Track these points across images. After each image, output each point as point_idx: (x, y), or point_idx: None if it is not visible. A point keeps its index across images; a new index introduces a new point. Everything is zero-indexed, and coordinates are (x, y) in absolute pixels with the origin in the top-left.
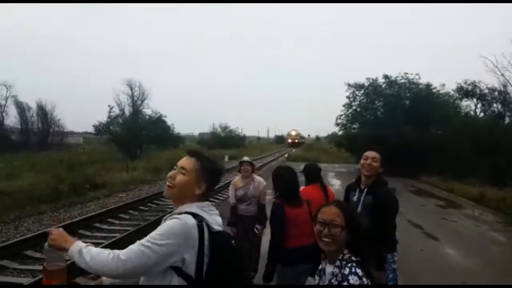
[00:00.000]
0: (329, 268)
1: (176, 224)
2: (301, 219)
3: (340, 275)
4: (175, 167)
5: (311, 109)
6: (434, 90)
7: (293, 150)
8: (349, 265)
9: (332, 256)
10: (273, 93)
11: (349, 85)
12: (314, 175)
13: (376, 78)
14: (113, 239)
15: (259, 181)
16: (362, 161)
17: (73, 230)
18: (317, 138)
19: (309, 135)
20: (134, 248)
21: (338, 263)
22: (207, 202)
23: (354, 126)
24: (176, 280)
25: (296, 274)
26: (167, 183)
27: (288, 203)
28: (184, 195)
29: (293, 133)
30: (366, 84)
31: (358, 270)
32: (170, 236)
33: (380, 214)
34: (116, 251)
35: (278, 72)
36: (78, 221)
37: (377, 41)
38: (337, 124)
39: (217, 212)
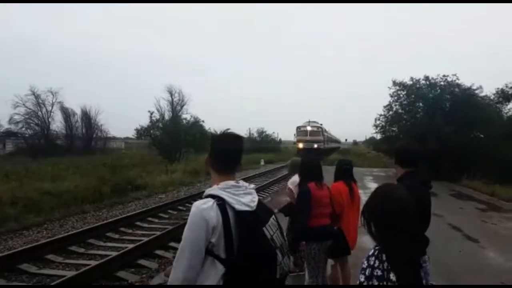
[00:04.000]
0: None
1: (191, 213)
2: (323, 200)
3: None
4: None
5: (348, 114)
6: (475, 92)
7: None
8: (377, 247)
9: None
10: (310, 97)
11: (394, 82)
12: (341, 172)
13: (419, 78)
14: (153, 236)
15: None
16: None
17: (115, 227)
18: (355, 143)
19: (346, 140)
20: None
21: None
22: (233, 183)
23: (393, 128)
24: (209, 262)
25: (320, 249)
26: None
27: (313, 185)
28: (211, 175)
29: (309, 128)
30: (409, 84)
31: (382, 256)
32: (190, 226)
33: None
34: None
35: (316, 78)
36: (119, 219)
37: (414, 44)
38: (376, 126)
39: (246, 191)
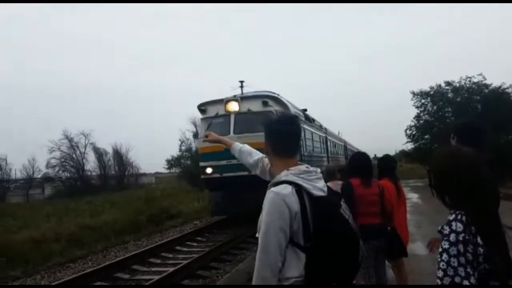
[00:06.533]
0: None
1: (270, 199)
2: (368, 198)
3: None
4: None
5: (376, 130)
6: (506, 91)
7: None
8: (457, 212)
9: None
10: (335, 116)
11: (413, 93)
12: (386, 170)
13: (439, 85)
14: (192, 258)
15: None
16: None
17: (156, 253)
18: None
19: (375, 155)
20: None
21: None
22: (304, 168)
23: (426, 137)
24: (291, 250)
25: (368, 250)
26: None
27: (358, 182)
28: (272, 162)
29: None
30: (432, 92)
31: (464, 218)
32: (272, 213)
33: None
34: None
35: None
36: (160, 245)
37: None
38: (408, 136)
39: (318, 176)
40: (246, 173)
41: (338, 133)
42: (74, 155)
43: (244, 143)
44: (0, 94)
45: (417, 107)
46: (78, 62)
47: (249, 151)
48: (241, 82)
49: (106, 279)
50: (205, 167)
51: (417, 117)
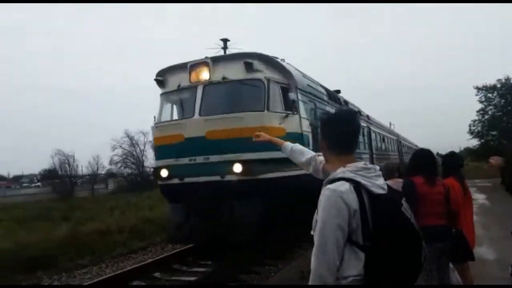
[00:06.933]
0: None
1: (327, 196)
2: (432, 198)
3: None
4: None
5: (435, 130)
6: None
7: None
8: None
9: None
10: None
11: (478, 88)
12: (451, 168)
13: (508, 77)
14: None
15: None
16: None
17: None
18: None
19: (437, 153)
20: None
21: None
22: (362, 165)
23: (493, 133)
24: (349, 250)
25: (430, 251)
26: None
27: (422, 181)
28: (327, 160)
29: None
30: (498, 85)
31: None
32: (329, 210)
33: None
34: None
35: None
36: None
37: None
38: (471, 133)
39: (377, 173)
40: (218, 177)
41: (390, 125)
42: (134, 152)
43: (215, 129)
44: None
45: (481, 102)
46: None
47: (301, 150)
48: (224, 41)
49: (164, 270)
50: (160, 168)
51: (482, 111)
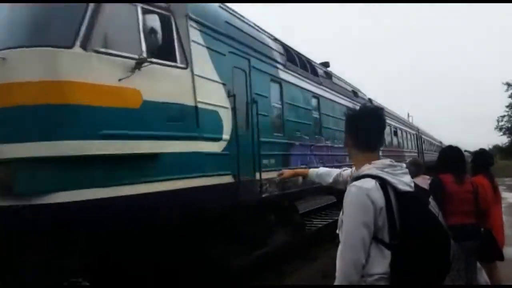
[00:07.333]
0: None
1: (353, 193)
2: (461, 196)
3: None
4: None
5: (462, 126)
6: None
7: None
8: None
9: None
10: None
11: (508, 84)
12: (481, 166)
13: None
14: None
15: None
16: None
17: None
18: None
19: (465, 150)
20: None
21: None
22: (389, 162)
23: None
24: (375, 247)
25: (459, 251)
26: None
27: (450, 179)
28: (352, 156)
29: None
30: None
31: None
32: (355, 207)
33: None
34: None
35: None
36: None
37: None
38: (500, 128)
39: (403, 171)
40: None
41: (408, 116)
42: None
43: None
44: None
45: (510, 97)
46: None
47: (327, 172)
48: None
49: None
50: None
51: (510, 106)
